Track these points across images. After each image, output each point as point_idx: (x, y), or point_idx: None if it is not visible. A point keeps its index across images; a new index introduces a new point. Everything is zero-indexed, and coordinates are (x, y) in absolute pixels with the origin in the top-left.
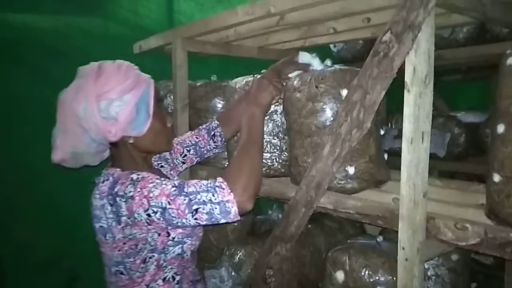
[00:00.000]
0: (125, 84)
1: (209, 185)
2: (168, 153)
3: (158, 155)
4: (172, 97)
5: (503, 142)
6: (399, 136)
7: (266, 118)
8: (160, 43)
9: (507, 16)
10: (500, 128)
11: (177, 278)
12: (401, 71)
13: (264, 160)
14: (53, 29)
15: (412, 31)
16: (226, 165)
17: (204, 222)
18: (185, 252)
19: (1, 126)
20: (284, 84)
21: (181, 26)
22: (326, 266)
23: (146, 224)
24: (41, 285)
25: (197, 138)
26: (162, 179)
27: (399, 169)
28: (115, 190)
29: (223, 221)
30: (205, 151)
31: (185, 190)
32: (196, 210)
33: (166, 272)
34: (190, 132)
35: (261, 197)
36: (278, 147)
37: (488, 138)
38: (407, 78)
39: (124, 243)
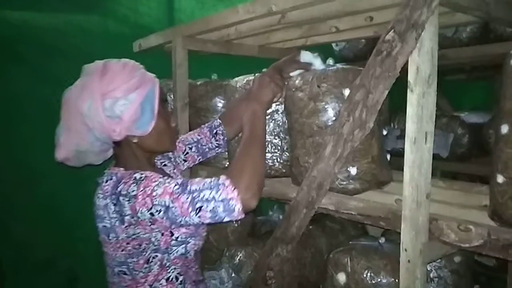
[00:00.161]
0: (130, 83)
1: (212, 183)
2: None
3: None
4: (172, 96)
5: (507, 143)
6: (401, 136)
7: (267, 117)
8: (160, 41)
9: (511, 15)
10: (504, 129)
11: (180, 278)
12: (404, 70)
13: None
14: (52, 27)
15: (416, 30)
16: (226, 165)
17: (208, 220)
18: (188, 252)
19: (0, 125)
20: (286, 82)
21: (181, 24)
22: (328, 268)
23: (150, 223)
24: (41, 285)
25: (199, 136)
26: (165, 177)
27: (402, 169)
28: (118, 189)
29: (226, 219)
30: (207, 149)
31: (188, 188)
32: (200, 208)
33: (169, 272)
34: (193, 131)
35: (262, 198)
36: (279, 147)
37: (491, 139)
38: (411, 77)
39: (128, 243)
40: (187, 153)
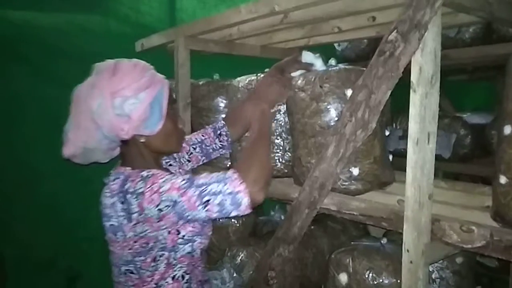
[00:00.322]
0: (140, 82)
1: (219, 176)
2: None
3: None
4: (174, 96)
5: (510, 143)
6: (404, 136)
7: None
8: (163, 41)
9: None
10: (507, 130)
11: (187, 277)
12: (407, 70)
13: None
14: (53, 26)
15: (419, 30)
16: (228, 166)
17: (215, 215)
18: (195, 251)
19: (2, 124)
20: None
21: (183, 24)
22: (329, 268)
23: (157, 220)
24: (43, 285)
25: (203, 136)
26: (172, 174)
27: (404, 170)
28: (126, 187)
29: (234, 213)
30: (211, 150)
31: (195, 182)
32: (207, 201)
33: (175, 271)
34: (197, 131)
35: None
36: (281, 147)
37: (494, 140)
38: (413, 78)
39: (135, 242)
40: (191, 153)
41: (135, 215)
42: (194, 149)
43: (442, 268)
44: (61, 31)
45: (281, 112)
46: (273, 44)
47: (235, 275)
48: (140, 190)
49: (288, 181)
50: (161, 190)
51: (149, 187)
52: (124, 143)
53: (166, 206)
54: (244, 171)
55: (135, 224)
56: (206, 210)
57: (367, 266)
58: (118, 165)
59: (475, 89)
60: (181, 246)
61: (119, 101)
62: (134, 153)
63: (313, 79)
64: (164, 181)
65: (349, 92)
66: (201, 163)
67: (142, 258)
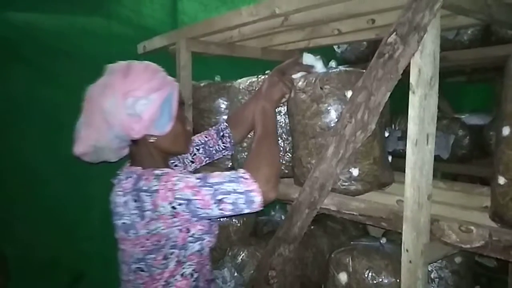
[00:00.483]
0: (152, 84)
1: (232, 176)
2: None
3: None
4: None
5: (508, 144)
6: (402, 137)
7: None
8: (164, 43)
9: None
10: (506, 131)
11: (195, 275)
12: (406, 72)
13: None
14: (56, 29)
15: (418, 32)
16: (229, 166)
17: (228, 213)
18: (203, 249)
19: (4, 126)
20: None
21: (184, 26)
22: (329, 268)
23: (171, 217)
24: (45, 285)
25: (206, 137)
26: (185, 173)
27: (403, 170)
28: (139, 185)
29: (246, 211)
30: (214, 151)
31: (209, 181)
32: (221, 200)
33: (184, 268)
34: (200, 133)
35: None
36: (281, 148)
37: (492, 141)
38: (412, 79)
39: (147, 239)
40: (195, 154)
41: (148, 213)
42: (198, 150)
43: (441, 267)
44: (63, 33)
45: (281, 113)
46: (273, 46)
47: (236, 274)
48: (155, 188)
49: (288, 182)
50: (175, 188)
51: (163, 184)
52: (134, 143)
53: (179, 204)
54: (255, 170)
55: (148, 221)
56: (220, 209)
57: (366, 266)
58: (126, 165)
59: (473, 91)
60: (191, 244)
61: (131, 101)
62: (144, 153)
63: (313, 81)
64: (178, 179)
65: (349, 94)
66: (204, 163)
67: (153, 256)
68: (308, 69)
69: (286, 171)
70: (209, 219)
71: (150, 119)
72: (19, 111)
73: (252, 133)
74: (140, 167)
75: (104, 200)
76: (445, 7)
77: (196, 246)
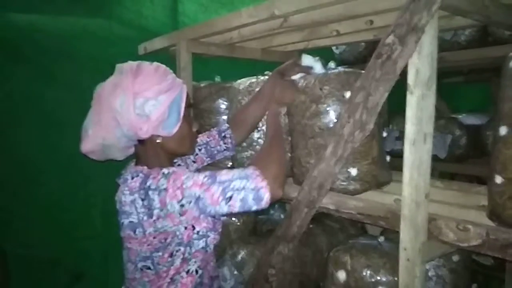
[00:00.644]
0: (161, 85)
1: (242, 173)
2: None
3: None
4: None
5: (506, 144)
6: (400, 137)
7: None
8: (165, 44)
9: (509, 18)
10: (503, 130)
11: (200, 272)
12: (403, 73)
13: None
14: (58, 30)
15: (416, 33)
16: (229, 166)
17: (237, 209)
18: (208, 246)
19: (5, 125)
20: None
21: (185, 27)
22: (328, 266)
23: (179, 215)
24: (46, 284)
25: (208, 138)
26: (192, 171)
27: (400, 170)
28: (147, 184)
29: (254, 208)
30: (216, 152)
31: (218, 178)
32: (230, 197)
33: (190, 265)
34: (201, 133)
35: None
36: None
37: (489, 140)
38: (410, 80)
39: (154, 237)
40: (197, 154)
41: (156, 211)
42: (200, 150)
43: (439, 266)
44: (64, 34)
45: (281, 114)
46: (273, 47)
47: (235, 272)
48: (163, 187)
49: (287, 181)
50: (184, 186)
51: (172, 183)
52: (141, 142)
53: (188, 201)
54: (264, 168)
55: (155, 219)
56: (229, 206)
57: (365, 264)
58: (130, 164)
59: (470, 91)
60: (196, 241)
61: (140, 101)
62: (150, 153)
63: (313, 82)
64: (186, 178)
65: (348, 95)
66: (205, 163)
67: (160, 253)
68: (308, 70)
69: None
70: (213, 216)
71: (158, 119)
72: (19, 112)
73: (251, 133)
74: (145, 167)
75: (105, 199)
76: (443, 8)
77: (201, 243)
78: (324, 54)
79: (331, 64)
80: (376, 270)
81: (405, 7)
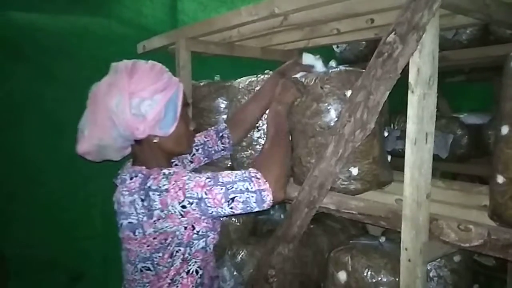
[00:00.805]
0: (157, 85)
1: (244, 175)
2: None
3: None
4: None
5: (507, 143)
6: (401, 137)
7: None
8: (164, 43)
9: (511, 17)
10: (504, 130)
11: (200, 272)
12: (405, 71)
13: None
14: (57, 29)
15: (417, 32)
16: (228, 166)
17: (239, 211)
18: (208, 246)
19: (4, 125)
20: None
21: (184, 26)
22: (329, 266)
23: (180, 216)
24: (45, 284)
25: (205, 138)
26: (193, 172)
27: (401, 170)
28: (148, 185)
29: (256, 209)
30: (213, 152)
31: (220, 180)
32: (233, 199)
33: (190, 266)
34: (199, 133)
35: None
36: None
37: (490, 140)
38: (411, 79)
39: (154, 238)
40: (194, 154)
41: (156, 212)
42: (197, 150)
43: (440, 266)
44: (63, 33)
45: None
46: (273, 46)
47: (235, 273)
48: (165, 187)
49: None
50: (186, 186)
51: (174, 184)
52: (137, 142)
53: (190, 202)
54: (266, 170)
55: (155, 220)
56: (231, 207)
57: (365, 264)
58: (127, 164)
59: (472, 90)
60: (196, 241)
61: (136, 101)
62: (147, 152)
63: (314, 80)
64: (188, 179)
65: (349, 93)
66: (202, 163)
67: (159, 254)
68: (308, 69)
69: None
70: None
71: (154, 119)
72: (19, 111)
73: (251, 133)
74: (143, 167)
75: (104, 199)
76: (444, 7)
77: (201, 243)
78: (325, 53)
79: (332, 63)
80: (377, 270)
81: (406, 6)
